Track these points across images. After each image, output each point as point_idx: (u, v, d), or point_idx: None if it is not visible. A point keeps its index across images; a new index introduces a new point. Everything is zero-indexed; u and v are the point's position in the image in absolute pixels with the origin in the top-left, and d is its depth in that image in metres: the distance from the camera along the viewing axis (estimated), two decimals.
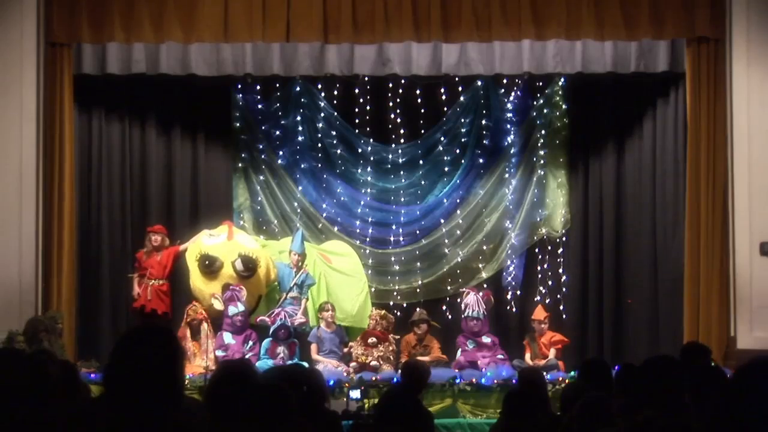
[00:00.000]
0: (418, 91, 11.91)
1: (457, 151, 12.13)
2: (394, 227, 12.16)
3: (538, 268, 12.09)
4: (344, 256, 11.75)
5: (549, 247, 12.13)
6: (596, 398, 4.64)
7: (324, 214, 12.12)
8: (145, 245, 11.19)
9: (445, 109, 12.09)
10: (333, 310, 11.03)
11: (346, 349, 10.96)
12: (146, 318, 10.75)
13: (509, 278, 12.07)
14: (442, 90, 11.96)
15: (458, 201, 12.20)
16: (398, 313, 11.66)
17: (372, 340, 10.78)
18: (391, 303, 11.89)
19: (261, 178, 12.10)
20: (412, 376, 7.39)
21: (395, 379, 9.92)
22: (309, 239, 11.82)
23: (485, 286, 11.82)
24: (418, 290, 12.05)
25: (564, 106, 12.09)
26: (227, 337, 10.73)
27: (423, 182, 12.21)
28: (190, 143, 12.07)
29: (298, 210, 12.10)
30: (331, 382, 9.45)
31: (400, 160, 12.15)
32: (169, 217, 11.92)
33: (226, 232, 11.22)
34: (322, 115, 12.05)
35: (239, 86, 11.91)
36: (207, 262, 10.99)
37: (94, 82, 11.43)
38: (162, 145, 12.01)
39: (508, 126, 12.13)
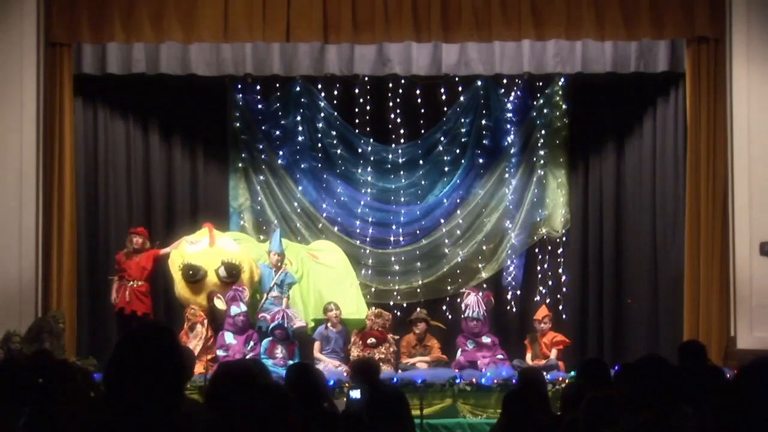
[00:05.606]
0: (418, 91, 11.91)
1: (457, 151, 12.13)
2: (394, 227, 12.16)
3: (538, 268, 12.09)
4: (329, 252, 11.72)
5: (549, 247, 12.13)
6: (601, 397, 4.63)
7: (324, 214, 12.12)
8: (126, 246, 11.07)
9: (445, 109, 12.08)
10: (338, 309, 11.00)
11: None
12: (128, 320, 10.68)
13: (509, 278, 12.07)
14: (442, 90, 11.95)
15: (458, 201, 12.20)
16: (398, 313, 11.66)
17: (371, 340, 10.75)
18: (391, 303, 11.89)
19: (261, 178, 12.10)
20: (361, 375, 7.13)
21: (395, 380, 9.92)
22: (297, 240, 11.84)
23: (485, 286, 11.81)
24: (418, 290, 12.04)
25: (564, 106, 12.09)
26: (228, 337, 10.71)
27: (423, 182, 12.20)
28: (189, 145, 12.08)
29: (298, 210, 12.11)
30: (331, 382, 9.44)
31: (400, 160, 12.15)
32: (170, 218, 11.94)
33: (207, 236, 11.09)
34: (322, 115, 12.05)
35: (239, 86, 11.91)
36: (191, 272, 10.87)
37: (96, 82, 11.44)
38: (163, 147, 12.03)
39: (508, 126, 12.13)
